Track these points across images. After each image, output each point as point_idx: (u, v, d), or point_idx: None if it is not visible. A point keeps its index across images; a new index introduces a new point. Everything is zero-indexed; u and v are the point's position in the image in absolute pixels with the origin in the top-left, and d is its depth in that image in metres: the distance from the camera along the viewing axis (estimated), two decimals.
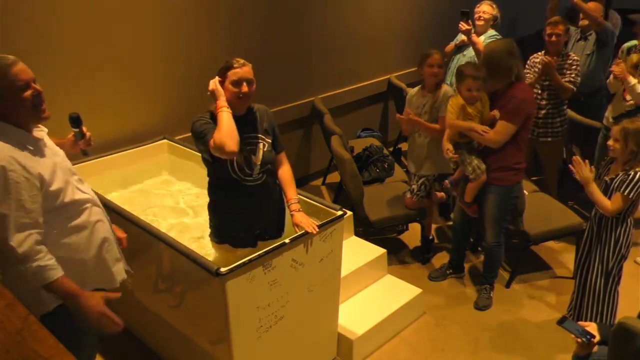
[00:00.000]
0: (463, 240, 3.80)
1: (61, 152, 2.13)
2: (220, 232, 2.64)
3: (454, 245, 3.85)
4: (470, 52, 4.35)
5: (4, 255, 1.86)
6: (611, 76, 3.89)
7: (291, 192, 2.61)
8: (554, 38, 4.03)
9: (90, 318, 1.96)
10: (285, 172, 2.66)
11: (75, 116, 2.47)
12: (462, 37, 4.42)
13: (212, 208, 2.64)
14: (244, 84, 2.41)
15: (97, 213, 2.15)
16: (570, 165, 2.95)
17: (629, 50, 4.02)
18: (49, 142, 2.09)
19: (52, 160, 2.00)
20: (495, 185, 3.29)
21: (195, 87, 3.80)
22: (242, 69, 2.41)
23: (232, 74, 2.41)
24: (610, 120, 4.02)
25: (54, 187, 1.95)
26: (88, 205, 2.11)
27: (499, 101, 3.23)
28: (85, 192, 2.12)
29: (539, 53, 4.19)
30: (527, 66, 4.23)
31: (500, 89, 3.22)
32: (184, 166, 3.58)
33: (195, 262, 2.35)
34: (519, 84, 3.20)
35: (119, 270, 2.26)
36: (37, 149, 1.96)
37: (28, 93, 1.88)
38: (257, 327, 2.46)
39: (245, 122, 2.51)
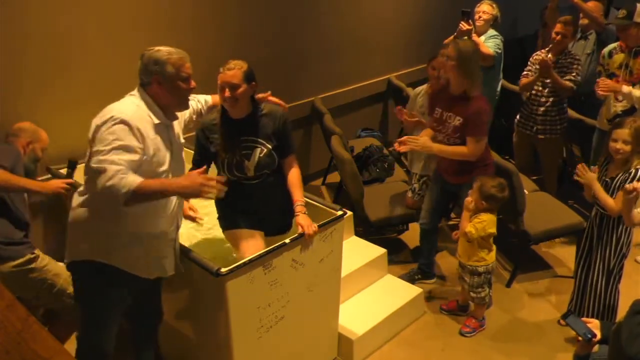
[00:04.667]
0: (432, 242, 3.61)
1: (180, 147, 2.34)
2: (222, 220, 2.70)
3: (422, 247, 3.66)
4: None
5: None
6: (598, 90, 3.81)
7: (298, 195, 2.61)
8: (559, 37, 3.99)
9: (193, 195, 2.19)
10: (294, 176, 2.67)
11: (73, 162, 2.82)
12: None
13: (215, 199, 2.68)
14: (226, 89, 2.40)
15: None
16: (575, 177, 2.92)
17: (610, 53, 3.94)
18: (177, 130, 2.33)
19: (164, 150, 2.18)
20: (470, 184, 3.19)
21: (196, 87, 3.80)
22: (226, 74, 2.40)
23: (218, 79, 2.42)
24: (605, 121, 3.97)
25: (154, 159, 2.14)
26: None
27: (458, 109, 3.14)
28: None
29: (542, 51, 4.16)
30: (529, 63, 4.21)
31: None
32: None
33: (195, 262, 2.36)
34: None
35: (169, 265, 2.38)
36: (159, 130, 2.17)
37: (186, 85, 2.21)
38: (257, 327, 2.47)
39: (244, 126, 2.52)
